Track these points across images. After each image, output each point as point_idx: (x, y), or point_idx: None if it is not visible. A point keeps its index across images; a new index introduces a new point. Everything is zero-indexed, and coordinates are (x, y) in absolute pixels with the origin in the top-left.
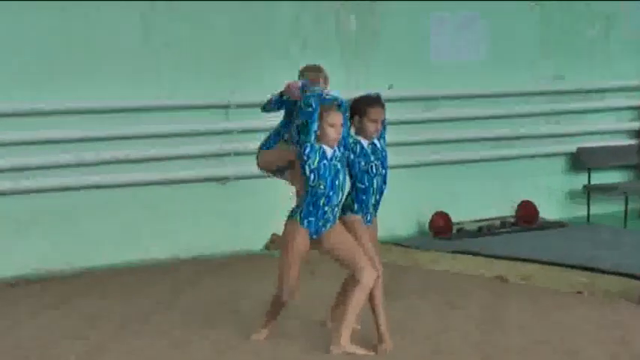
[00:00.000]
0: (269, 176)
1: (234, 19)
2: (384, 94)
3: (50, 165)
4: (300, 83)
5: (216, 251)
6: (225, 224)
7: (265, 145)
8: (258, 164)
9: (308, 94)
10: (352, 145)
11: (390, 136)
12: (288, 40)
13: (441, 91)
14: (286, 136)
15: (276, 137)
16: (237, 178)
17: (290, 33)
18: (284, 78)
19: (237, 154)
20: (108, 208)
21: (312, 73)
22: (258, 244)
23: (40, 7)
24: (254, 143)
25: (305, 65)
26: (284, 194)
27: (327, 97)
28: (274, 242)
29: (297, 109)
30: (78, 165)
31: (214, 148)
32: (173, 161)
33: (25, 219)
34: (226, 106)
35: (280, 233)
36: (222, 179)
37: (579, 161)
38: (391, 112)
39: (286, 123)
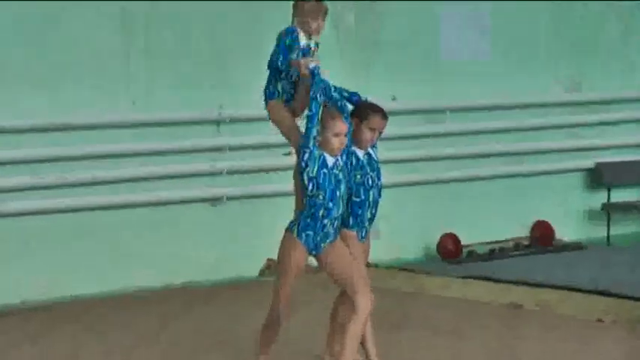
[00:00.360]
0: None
1: (221, 22)
2: (387, 105)
3: (34, 186)
4: (312, 65)
5: (207, 278)
6: (217, 249)
7: (273, 94)
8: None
9: (315, 88)
10: (348, 155)
11: (393, 151)
12: None
13: (448, 101)
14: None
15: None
16: (230, 198)
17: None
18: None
19: (231, 172)
20: (88, 233)
21: (309, 5)
22: (252, 269)
23: None
24: (248, 161)
25: None
26: (281, 216)
27: (335, 98)
28: (270, 268)
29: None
30: (59, 186)
31: (205, 166)
32: (159, 181)
33: None
34: (217, 121)
35: (277, 258)
36: (213, 200)
37: (598, 177)
38: (394, 125)
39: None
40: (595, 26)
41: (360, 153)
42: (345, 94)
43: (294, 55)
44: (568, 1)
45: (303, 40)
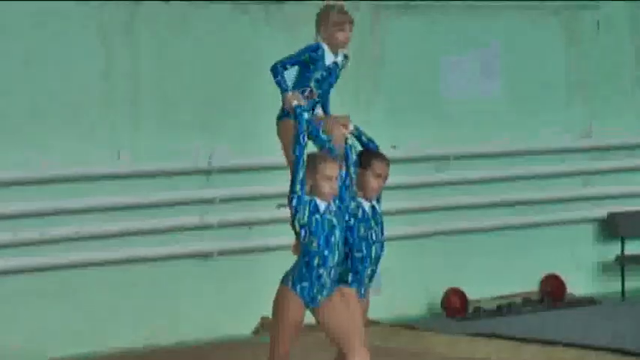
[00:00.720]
0: None
1: (209, 68)
2: (387, 154)
3: (13, 242)
4: (294, 103)
5: (197, 338)
6: (207, 307)
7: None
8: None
9: (298, 128)
10: (354, 209)
11: (396, 202)
12: (274, 86)
13: (453, 148)
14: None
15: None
16: (221, 253)
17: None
18: (271, 134)
19: (221, 225)
20: (70, 292)
21: (335, 15)
22: (246, 328)
23: None
24: (240, 213)
25: (328, 2)
26: (276, 271)
27: (322, 139)
28: (264, 326)
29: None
30: (39, 243)
31: (194, 219)
32: (145, 236)
33: None
34: (207, 171)
35: (271, 314)
36: (203, 255)
37: (611, 228)
38: (395, 174)
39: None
40: (608, 71)
41: (366, 205)
42: (364, 139)
43: (318, 75)
44: (581, 45)
45: (330, 58)
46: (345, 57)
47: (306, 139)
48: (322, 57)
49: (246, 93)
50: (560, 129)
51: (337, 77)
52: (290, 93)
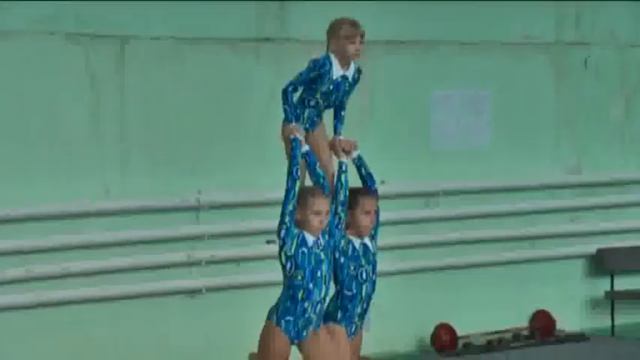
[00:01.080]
0: None
1: (197, 104)
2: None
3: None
4: (292, 136)
5: None
6: (195, 344)
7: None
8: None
9: (291, 162)
10: (344, 246)
11: (385, 237)
12: (263, 123)
13: (442, 183)
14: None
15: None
16: (209, 289)
17: (266, 114)
18: (261, 171)
19: (210, 262)
20: (57, 330)
21: (346, 28)
22: None
23: None
24: (228, 250)
25: (338, 18)
26: (265, 307)
27: (318, 173)
28: None
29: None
30: (25, 280)
31: (182, 256)
32: (133, 273)
33: None
34: (196, 207)
35: (257, 350)
36: (191, 292)
37: (600, 264)
38: (385, 210)
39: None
40: (597, 107)
41: (357, 242)
42: (363, 172)
43: (324, 88)
44: (569, 81)
45: (337, 72)
46: (359, 71)
47: (299, 172)
48: (329, 71)
49: (235, 130)
50: (550, 165)
51: (348, 91)
52: (291, 124)
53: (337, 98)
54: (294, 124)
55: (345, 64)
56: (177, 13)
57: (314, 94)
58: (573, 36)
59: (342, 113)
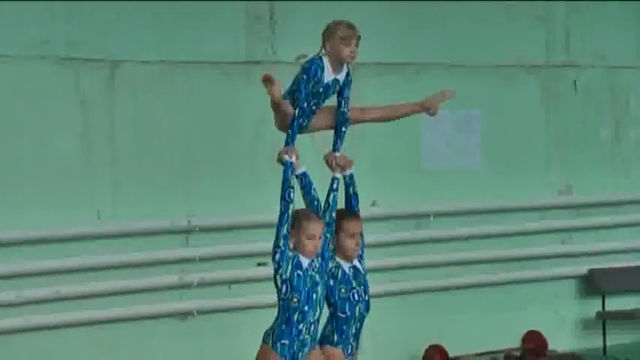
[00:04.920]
0: None
1: (188, 128)
2: (367, 211)
3: None
4: (286, 157)
5: None
6: None
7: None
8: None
9: (284, 185)
10: (333, 269)
11: (376, 259)
12: (254, 146)
13: (433, 205)
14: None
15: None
16: (201, 312)
17: (257, 138)
18: (251, 193)
19: (201, 284)
20: (47, 354)
21: (342, 30)
22: None
23: None
24: (219, 272)
25: (336, 20)
26: (257, 330)
27: (313, 196)
28: None
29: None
30: (16, 304)
31: (173, 278)
32: (124, 296)
33: None
34: (186, 230)
35: None
36: (183, 314)
37: (592, 285)
38: (374, 232)
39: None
40: (586, 129)
41: (346, 266)
42: (350, 191)
43: (314, 90)
44: (559, 103)
45: (329, 75)
46: (347, 74)
47: (292, 195)
48: (320, 76)
49: (226, 153)
50: (540, 186)
51: (344, 95)
52: (289, 148)
53: (325, 99)
54: (289, 148)
55: (337, 66)
56: (167, 37)
57: (301, 96)
58: (563, 58)
59: (343, 129)
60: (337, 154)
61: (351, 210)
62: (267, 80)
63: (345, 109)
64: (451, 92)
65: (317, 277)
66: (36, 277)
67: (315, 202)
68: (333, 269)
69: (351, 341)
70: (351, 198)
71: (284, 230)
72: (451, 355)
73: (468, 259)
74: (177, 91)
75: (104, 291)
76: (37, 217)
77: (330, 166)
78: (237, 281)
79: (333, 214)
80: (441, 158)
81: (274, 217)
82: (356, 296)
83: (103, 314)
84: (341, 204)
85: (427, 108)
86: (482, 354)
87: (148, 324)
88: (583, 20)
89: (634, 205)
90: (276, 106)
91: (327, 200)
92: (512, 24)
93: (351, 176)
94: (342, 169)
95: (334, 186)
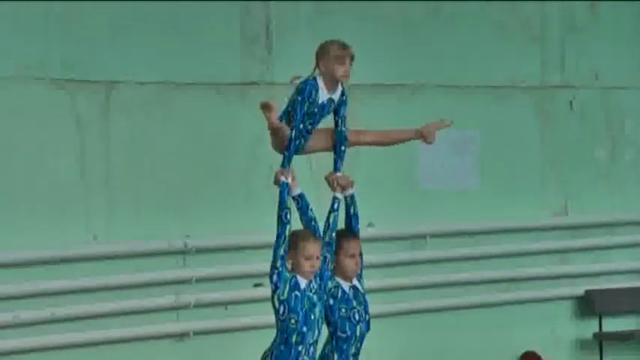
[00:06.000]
0: None
1: (183, 148)
2: (364, 232)
3: None
4: (282, 178)
5: None
6: None
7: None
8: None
9: (280, 206)
10: (332, 289)
11: (372, 280)
12: (250, 167)
13: (429, 226)
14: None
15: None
16: (197, 333)
17: (252, 158)
18: (247, 214)
19: (198, 305)
20: None
21: (335, 49)
22: None
23: None
24: (216, 293)
25: (328, 39)
26: (254, 351)
27: (310, 217)
28: None
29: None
30: (11, 326)
31: (169, 299)
32: (120, 317)
33: None
34: (183, 251)
35: None
36: (179, 335)
37: (588, 306)
38: (370, 253)
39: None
40: (582, 149)
41: (346, 286)
42: (351, 211)
43: (309, 110)
44: (555, 124)
45: (324, 95)
46: (342, 93)
47: (289, 216)
48: (315, 97)
49: (221, 173)
50: (536, 207)
51: (340, 114)
52: (285, 169)
53: (320, 119)
54: (286, 170)
55: (332, 86)
56: (162, 58)
57: (296, 116)
58: (558, 78)
59: (343, 148)
60: (338, 173)
61: (350, 230)
62: (265, 107)
63: (343, 128)
64: (448, 123)
65: (315, 297)
66: (31, 298)
67: (312, 223)
68: (333, 289)
69: None
70: (352, 218)
71: (281, 251)
72: None
73: (465, 280)
74: (172, 111)
75: (100, 312)
76: (32, 238)
77: (331, 185)
78: (234, 302)
79: (334, 234)
80: (438, 179)
81: (271, 237)
82: (357, 316)
83: (99, 335)
84: (341, 224)
85: (424, 137)
86: None
87: (145, 345)
88: (578, 41)
89: (630, 226)
90: (274, 131)
91: (327, 220)
92: (508, 45)
93: (352, 196)
94: (343, 189)
95: (335, 206)
